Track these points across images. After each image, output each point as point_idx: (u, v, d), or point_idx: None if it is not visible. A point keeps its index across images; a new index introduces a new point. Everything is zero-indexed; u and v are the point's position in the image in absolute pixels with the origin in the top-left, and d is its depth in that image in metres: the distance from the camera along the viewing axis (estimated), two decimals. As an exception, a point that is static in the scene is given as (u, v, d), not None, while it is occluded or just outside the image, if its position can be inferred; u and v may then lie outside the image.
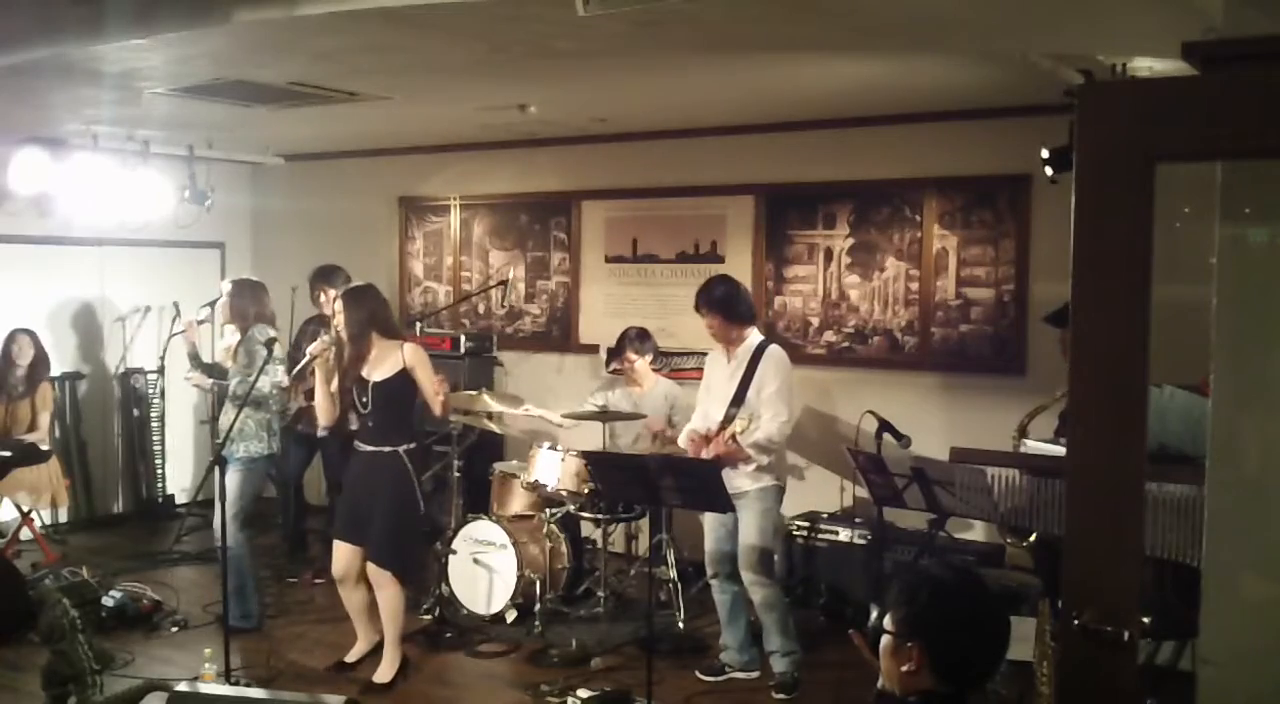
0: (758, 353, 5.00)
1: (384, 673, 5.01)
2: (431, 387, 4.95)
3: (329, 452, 6.68)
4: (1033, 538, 4.87)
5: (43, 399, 6.94)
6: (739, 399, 4.96)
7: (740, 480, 4.96)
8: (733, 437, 4.86)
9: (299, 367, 5.27)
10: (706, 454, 4.94)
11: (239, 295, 5.73)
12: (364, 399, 4.93)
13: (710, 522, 5.14)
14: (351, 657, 5.19)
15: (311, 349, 5.00)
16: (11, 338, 6.92)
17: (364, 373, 4.93)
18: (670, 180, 7.05)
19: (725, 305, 5.02)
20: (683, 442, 5.22)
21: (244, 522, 5.64)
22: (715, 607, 5.26)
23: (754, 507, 4.94)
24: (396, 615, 5.01)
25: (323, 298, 6.70)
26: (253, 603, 5.74)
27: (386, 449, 4.93)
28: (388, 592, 4.97)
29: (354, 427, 5.27)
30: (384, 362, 4.92)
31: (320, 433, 6.29)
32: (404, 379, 4.90)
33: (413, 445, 5.00)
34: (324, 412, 5.03)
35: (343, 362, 4.94)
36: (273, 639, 5.63)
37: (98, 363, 8.07)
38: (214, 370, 6.10)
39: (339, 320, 4.95)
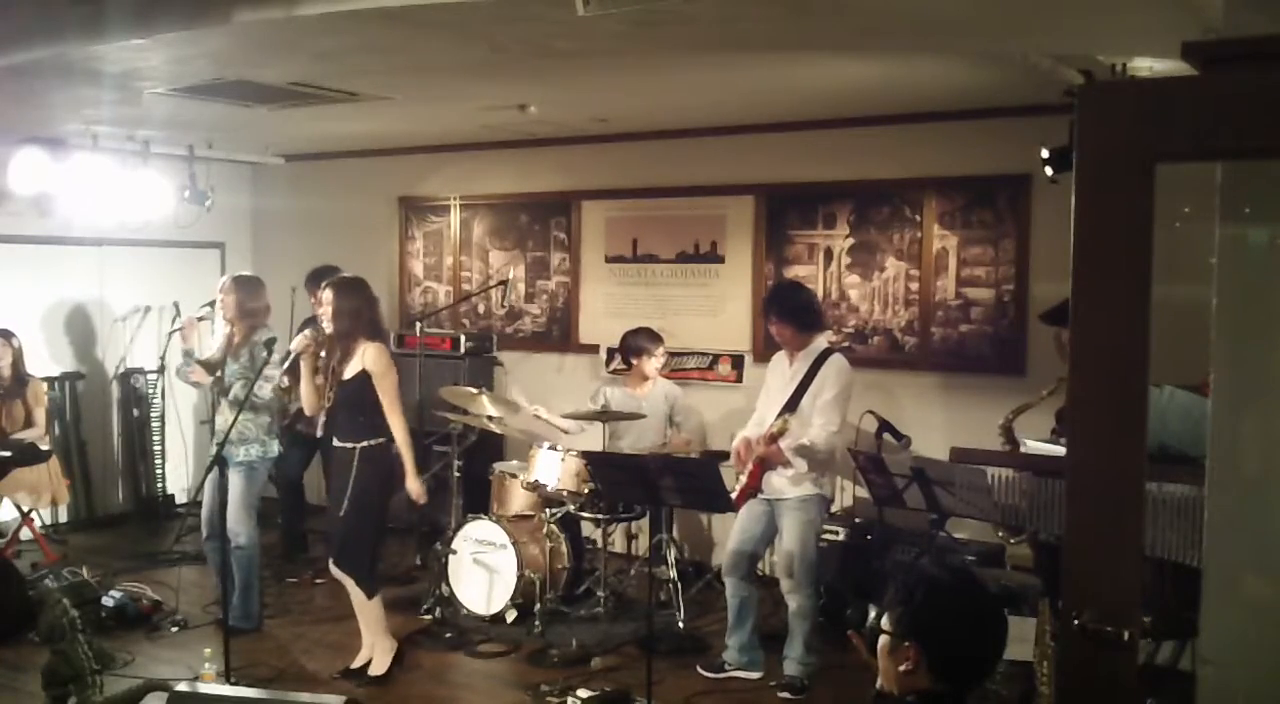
0: (820, 358, 4.99)
1: (378, 666, 5.02)
2: (391, 396, 4.89)
3: (329, 451, 6.67)
4: (1023, 537, 4.89)
5: (35, 396, 6.93)
6: (793, 404, 4.95)
7: (780, 484, 4.96)
8: (771, 437, 4.85)
9: (287, 363, 5.19)
10: (755, 454, 4.96)
11: (247, 293, 5.65)
12: (330, 394, 4.96)
13: (739, 522, 5.12)
14: (357, 662, 5.13)
15: (294, 345, 5.02)
16: None
17: (336, 368, 4.94)
18: (670, 180, 7.05)
19: (799, 314, 5.02)
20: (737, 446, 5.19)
21: (257, 519, 5.66)
22: (716, 606, 5.26)
23: (794, 514, 4.94)
24: (365, 610, 5.02)
25: (314, 300, 6.69)
26: (256, 603, 5.74)
27: (348, 445, 4.94)
28: (352, 589, 5.00)
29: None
30: (352, 359, 4.91)
31: (320, 433, 6.29)
32: (363, 381, 4.88)
33: (374, 443, 4.91)
34: (309, 402, 5.06)
35: (330, 355, 4.95)
36: (276, 639, 5.63)
37: (97, 363, 8.07)
38: (210, 366, 6.00)
39: (326, 312, 4.93)
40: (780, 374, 5.12)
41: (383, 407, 4.91)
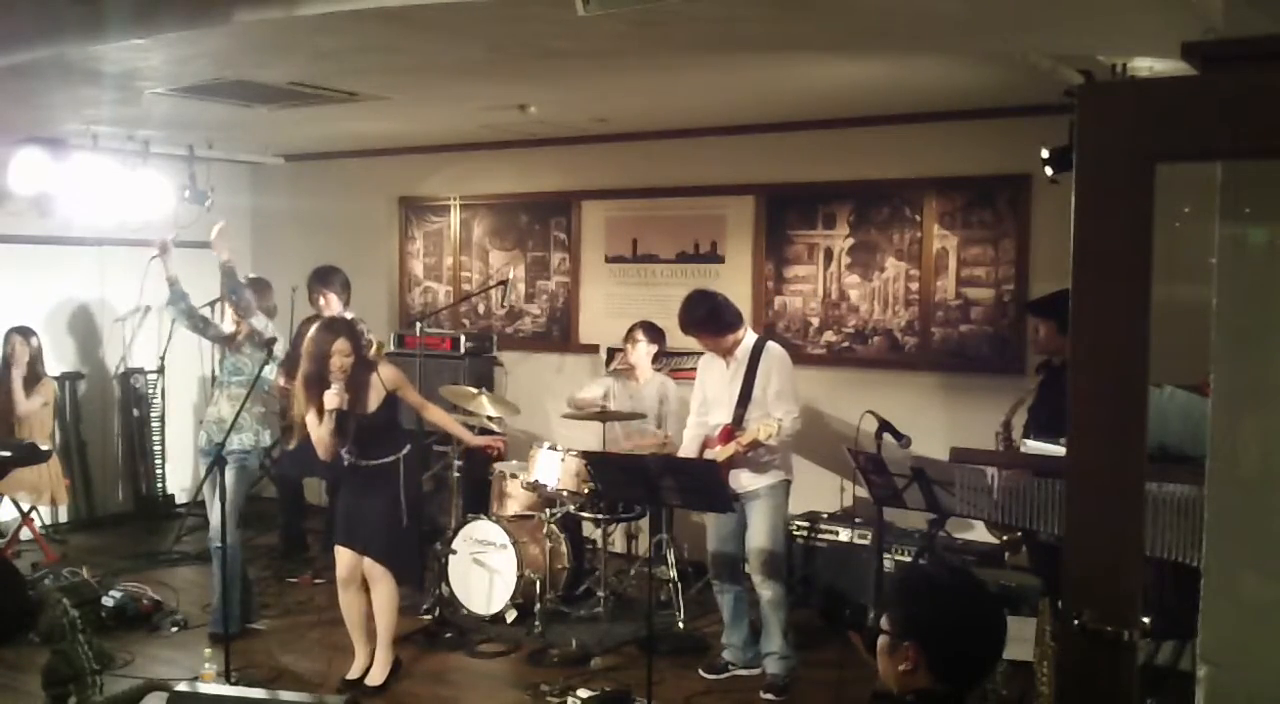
0: (757, 351, 5.00)
1: (377, 675, 4.99)
2: (418, 394, 5.09)
3: (332, 469, 6.57)
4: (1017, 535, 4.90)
5: (44, 395, 6.98)
6: (745, 399, 4.95)
7: (748, 479, 4.97)
8: (754, 442, 4.83)
9: (331, 419, 4.83)
10: (719, 456, 4.94)
11: (260, 294, 5.72)
12: (348, 427, 4.87)
13: (712, 523, 5.14)
14: (355, 674, 5.06)
15: (332, 404, 4.77)
16: (8, 338, 6.97)
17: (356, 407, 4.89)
18: (670, 180, 7.05)
19: (711, 323, 5.01)
20: (688, 452, 5.18)
21: (240, 519, 5.63)
22: (716, 606, 5.27)
23: (765, 506, 4.95)
24: (391, 613, 5.00)
25: (322, 301, 6.66)
26: (235, 606, 5.56)
27: (389, 459, 4.95)
28: (384, 587, 4.96)
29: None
30: (370, 392, 4.90)
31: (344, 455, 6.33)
32: (390, 403, 4.94)
33: (409, 449, 5.03)
34: (327, 449, 4.88)
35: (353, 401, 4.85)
36: (276, 639, 5.62)
37: (98, 363, 8.07)
38: (192, 312, 5.86)
39: (343, 363, 4.76)
40: (716, 373, 5.11)
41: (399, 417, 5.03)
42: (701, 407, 5.18)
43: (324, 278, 6.65)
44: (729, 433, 4.95)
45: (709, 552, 5.19)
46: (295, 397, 4.98)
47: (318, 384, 4.81)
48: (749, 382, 4.96)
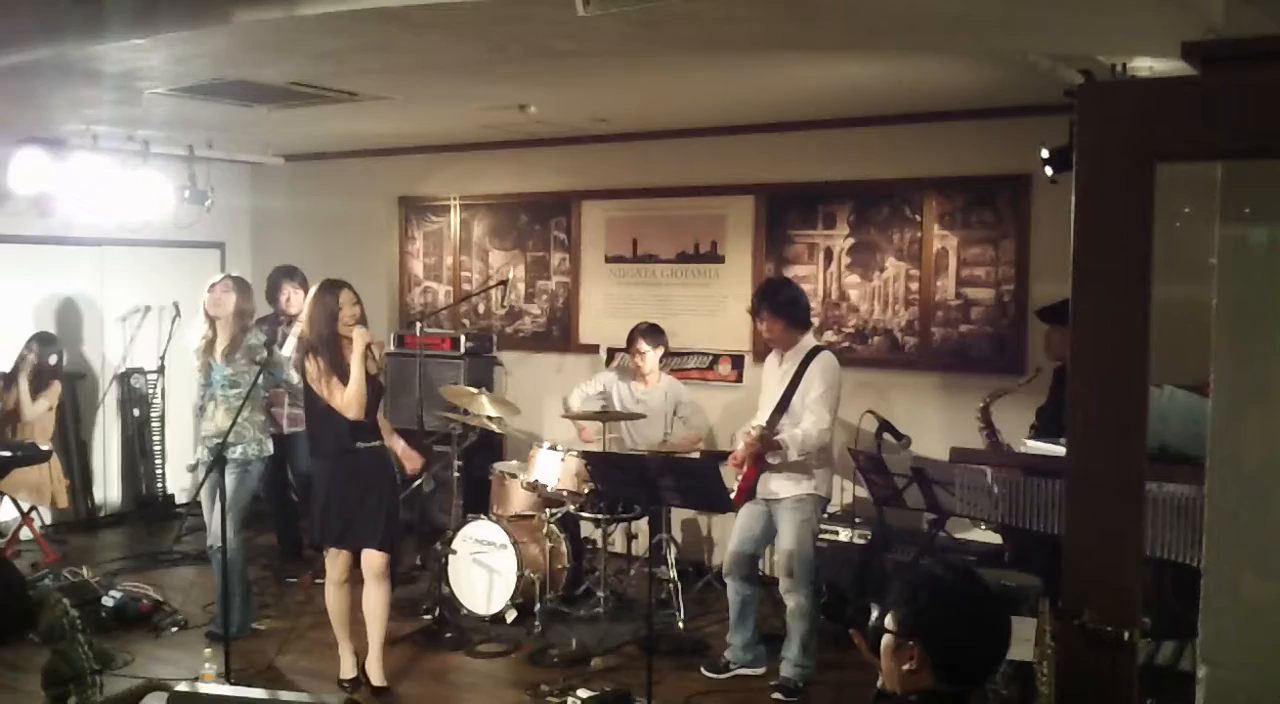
0: (808, 358, 4.97)
1: (380, 675, 4.95)
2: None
3: (299, 452, 6.43)
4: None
5: (50, 398, 7.02)
6: (784, 405, 4.94)
7: (776, 485, 4.96)
8: (760, 438, 4.85)
9: (360, 372, 4.85)
10: (735, 458, 4.98)
11: (244, 294, 5.56)
12: (378, 377, 4.94)
13: (739, 524, 5.12)
14: (349, 673, 5.01)
15: (369, 339, 4.82)
16: (28, 343, 7.02)
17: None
18: (670, 180, 7.05)
19: (788, 310, 5.00)
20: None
21: (241, 524, 5.57)
22: (716, 606, 5.26)
23: (790, 514, 4.93)
24: (387, 612, 4.98)
25: (285, 299, 6.65)
26: (236, 609, 5.52)
27: (378, 444, 4.93)
28: (384, 586, 4.93)
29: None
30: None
31: (287, 430, 6.39)
32: (374, 380, 4.92)
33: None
34: (361, 406, 4.79)
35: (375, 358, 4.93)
36: (276, 639, 5.62)
37: (98, 363, 8.07)
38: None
39: (354, 311, 4.84)
40: (773, 374, 5.12)
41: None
42: (760, 410, 5.18)
43: (290, 273, 6.58)
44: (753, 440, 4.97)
45: (729, 550, 5.17)
46: (312, 377, 4.82)
47: (332, 344, 4.80)
48: (792, 388, 4.94)
